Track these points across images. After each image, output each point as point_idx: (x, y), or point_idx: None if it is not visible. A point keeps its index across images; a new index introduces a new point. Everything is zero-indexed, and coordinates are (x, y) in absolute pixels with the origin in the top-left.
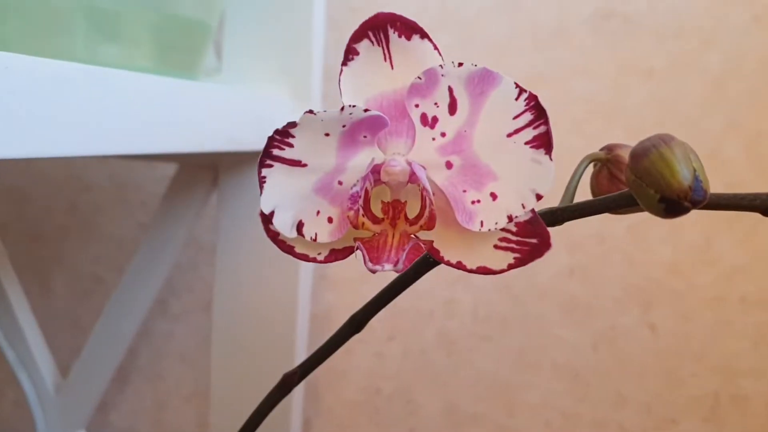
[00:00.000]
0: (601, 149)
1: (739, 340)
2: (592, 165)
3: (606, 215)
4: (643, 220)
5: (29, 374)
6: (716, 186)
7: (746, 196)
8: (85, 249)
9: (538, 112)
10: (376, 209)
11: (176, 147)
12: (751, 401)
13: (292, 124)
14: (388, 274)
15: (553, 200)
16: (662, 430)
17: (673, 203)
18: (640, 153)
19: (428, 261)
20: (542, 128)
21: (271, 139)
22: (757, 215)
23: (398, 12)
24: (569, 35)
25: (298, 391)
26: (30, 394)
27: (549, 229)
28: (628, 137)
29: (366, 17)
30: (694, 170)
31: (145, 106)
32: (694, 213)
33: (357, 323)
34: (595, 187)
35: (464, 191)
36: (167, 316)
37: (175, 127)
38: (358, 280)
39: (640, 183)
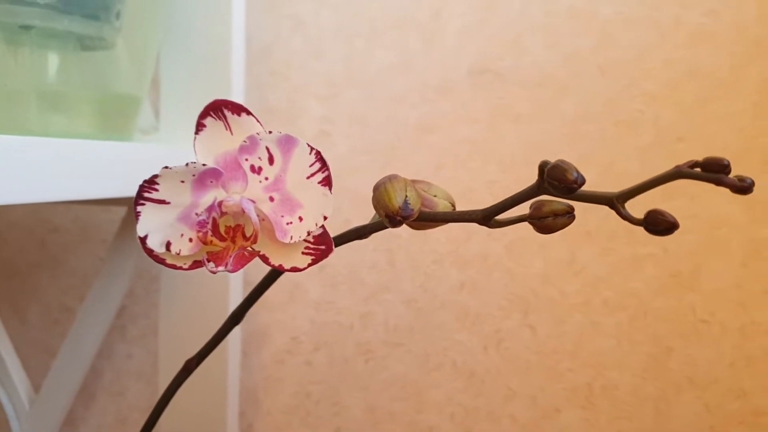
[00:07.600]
0: None
1: (606, 338)
2: None
3: (485, 237)
4: (519, 239)
5: (7, 392)
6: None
7: (466, 212)
8: (55, 283)
9: (323, 162)
10: (223, 232)
11: (115, 193)
12: (619, 390)
13: (156, 176)
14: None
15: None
16: (548, 418)
17: (390, 218)
18: (376, 186)
19: (276, 272)
20: (326, 173)
21: (141, 186)
22: (614, 232)
23: (234, 100)
24: (452, 89)
25: (234, 398)
26: (8, 408)
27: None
28: (502, 171)
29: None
30: (406, 197)
31: (88, 163)
32: (561, 233)
33: (235, 317)
34: None
35: (282, 216)
36: (126, 340)
37: (113, 178)
38: (286, 301)
39: (376, 206)
